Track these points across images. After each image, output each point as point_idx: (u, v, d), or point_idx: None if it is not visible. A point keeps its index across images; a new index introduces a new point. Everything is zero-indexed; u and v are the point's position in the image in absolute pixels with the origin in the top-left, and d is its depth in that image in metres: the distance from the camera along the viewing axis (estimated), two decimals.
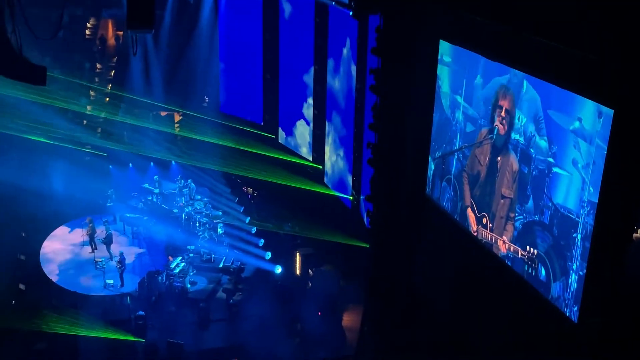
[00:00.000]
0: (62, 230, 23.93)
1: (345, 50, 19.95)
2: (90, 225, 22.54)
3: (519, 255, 10.09)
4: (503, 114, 10.48)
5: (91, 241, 22.49)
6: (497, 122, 10.65)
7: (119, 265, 20.65)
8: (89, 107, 28.80)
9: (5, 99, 24.99)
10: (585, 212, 8.52)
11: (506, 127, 10.41)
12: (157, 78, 27.91)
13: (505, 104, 10.43)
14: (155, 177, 26.15)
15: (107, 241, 22.09)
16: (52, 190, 24.04)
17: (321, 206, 22.67)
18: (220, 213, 24.61)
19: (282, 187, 24.13)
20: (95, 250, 22.35)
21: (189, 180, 25.88)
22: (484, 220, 11.20)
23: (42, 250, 22.56)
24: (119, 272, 20.66)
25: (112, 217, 24.25)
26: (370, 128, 14.47)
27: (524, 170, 9.92)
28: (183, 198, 25.32)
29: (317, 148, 22.96)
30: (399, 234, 14.16)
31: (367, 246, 17.23)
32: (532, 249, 9.75)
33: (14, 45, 10.90)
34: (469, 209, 11.72)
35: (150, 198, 25.44)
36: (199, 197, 25.61)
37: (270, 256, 22.10)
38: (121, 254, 20.91)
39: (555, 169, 9.15)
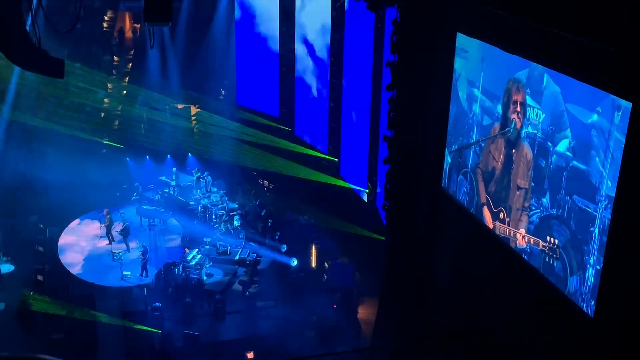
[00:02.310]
0: (79, 222, 24.12)
1: (361, 43, 19.89)
2: (108, 217, 22.70)
3: (540, 247, 10.02)
4: (518, 108, 10.41)
5: (108, 233, 22.64)
6: (513, 116, 10.59)
7: (142, 257, 20.81)
8: (106, 100, 28.93)
9: (24, 91, 25.22)
10: (603, 206, 8.46)
11: (522, 120, 10.35)
12: (174, 70, 27.99)
13: (519, 97, 10.36)
14: (174, 169, 26.28)
15: (125, 233, 22.23)
16: (70, 182, 24.22)
17: (337, 199, 22.69)
18: (237, 205, 24.70)
19: (298, 179, 24.17)
20: (112, 242, 22.49)
21: (205, 173, 25.97)
22: (501, 215, 11.15)
23: (59, 242, 22.77)
24: (142, 263, 20.81)
25: (129, 209, 24.41)
26: (387, 122, 14.42)
27: (541, 164, 9.85)
28: (199, 190, 25.43)
29: (333, 141, 22.94)
30: (415, 227, 14.13)
31: (383, 239, 17.21)
32: (552, 239, 9.67)
33: (32, 38, 10.98)
34: (485, 207, 11.67)
35: (167, 190, 25.57)
36: (215, 189, 25.70)
37: (286, 249, 22.16)
38: (144, 246, 21.09)
39: (573, 163, 9.09)
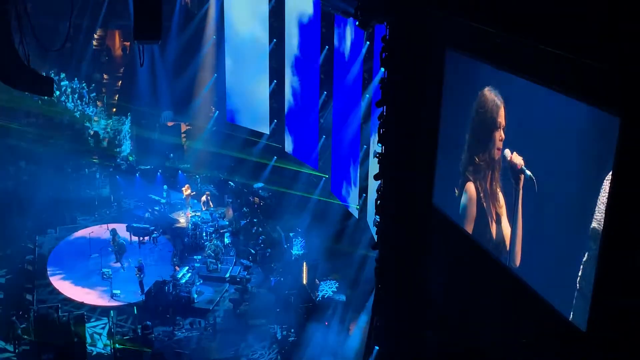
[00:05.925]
0: (68, 241, 23.95)
1: (351, 60, 19.97)
2: (114, 237, 22.47)
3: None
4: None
5: (115, 252, 22.40)
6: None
7: (138, 273, 20.71)
8: (95, 118, 28.90)
9: (13, 110, 25.20)
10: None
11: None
12: (164, 88, 27.99)
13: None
14: (165, 186, 26.19)
15: (121, 251, 22.14)
16: (59, 200, 24.13)
17: (328, 215, 22.64)
18: (227, 222, 24.63)
19: (289, 196, 24.15)
20: (117, 261, 22.32)
21: (203, 189, 25.91)
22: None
23: (49, 261, 22.59)
24: (139, 280, 20.70)
25: (118, 227, 24.31)
26: (377, 138, 14.44)
27: (530, 185, 9.90)
28: (190, 208, 25.35)
29: (324, 157, 22.95)
30: (407, 244, 14.11)
31: (375, 255, 17.19)
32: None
33: (21, 56, 10.98)
34: (474, 220, 11.70)
35: (157, 208, 25.46)
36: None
37: (276, 266, 22.10)
38: (140, 262, 21.01)
39: (557, 180, 9.12)
